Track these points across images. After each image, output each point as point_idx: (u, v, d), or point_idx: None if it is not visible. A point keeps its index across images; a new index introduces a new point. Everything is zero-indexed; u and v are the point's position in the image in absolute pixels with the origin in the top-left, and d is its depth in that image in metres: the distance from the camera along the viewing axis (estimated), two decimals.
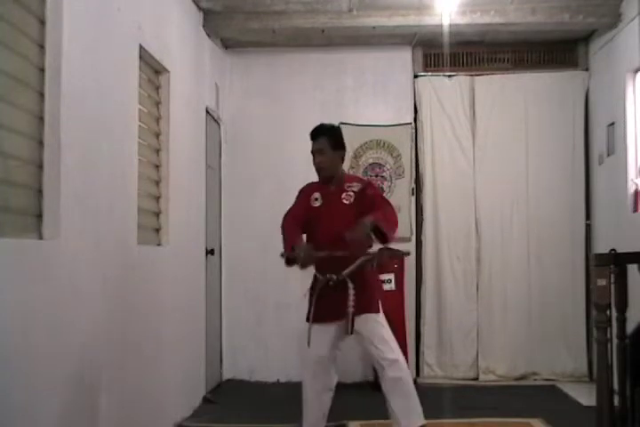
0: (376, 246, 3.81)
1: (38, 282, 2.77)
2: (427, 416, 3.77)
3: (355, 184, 3.89)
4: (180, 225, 4.84)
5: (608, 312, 3.12)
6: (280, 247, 3.83)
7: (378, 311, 3.78)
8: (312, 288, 3.78)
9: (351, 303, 3.63)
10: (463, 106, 6.49)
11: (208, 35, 5.82)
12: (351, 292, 3.64)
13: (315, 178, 3.99)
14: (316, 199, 3.90)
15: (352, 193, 3.83)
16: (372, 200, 3.79)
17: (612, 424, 3.10)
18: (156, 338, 4.34)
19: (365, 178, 3.97)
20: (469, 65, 6.54)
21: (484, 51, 6.51)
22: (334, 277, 3.70)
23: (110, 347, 3.51)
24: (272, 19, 5.76)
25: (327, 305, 3.70)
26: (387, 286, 5.80)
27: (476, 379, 6.28)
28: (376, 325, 3.75)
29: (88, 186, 3.28)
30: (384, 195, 3.96)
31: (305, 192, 3.99)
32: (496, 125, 6.47)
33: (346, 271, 3.69)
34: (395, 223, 3.78)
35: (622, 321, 3.22)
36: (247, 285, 6.37)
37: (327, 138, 3.87)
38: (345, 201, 3.82)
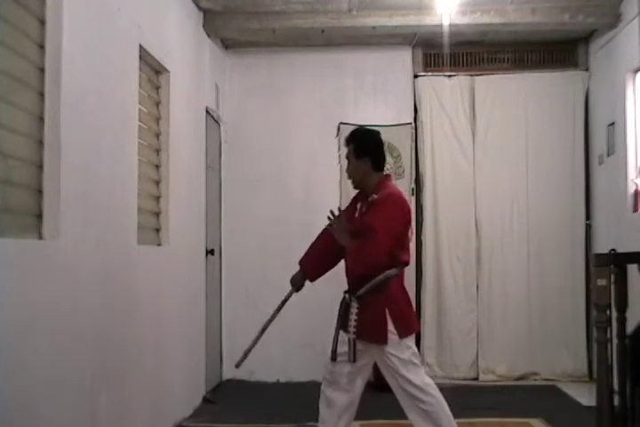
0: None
1: (38, 282, 2.77)
2: None
3: (375, 196, 3.54)
4: (180, 225, 4.84)
5: (608, 312, 3.12)
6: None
7: (385, 341, 3.42)
8: (341, 304, 3.66)
9: (352, 329, 3.47)
10: (463, 106, 6.49)
11: (208, 35, 5.82)
12: (353, 316, 3.49)
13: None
14: (357, 209, 3.67)
15: (366, 206, 3.58)
16: (364, 227, 3.47)
17: (612, 424, 3.10)
18: (156, 338, 4.34)
19: (386, 190, 3.58)
20: (469, 65, 6.54)
21: (483, 51, 6.52)
22: (346, 296, 3.58)
23: (110, 347, 3.51)
24: (272, 19, 5.76)
25: (341, 321, 3.57)
26: None
27: (476, 379, 6.28)
28: (389, 363, 3.46)
29: (88, 186, 3.28)
30: (386, 216, 3.49)
31: (350, 206, 3.76)
32: (496, 125, 6.47)
33: (359, 292, 3.50)
34: (364, 263, 3.44)
35: (622, 321, 3.21)
36: (247, 285, 6.38)
37: (352, 145, 3.66)
38: (357, 214, 3.63)
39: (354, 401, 3.61)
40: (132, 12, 3.94)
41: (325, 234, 3.74)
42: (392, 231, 3.48)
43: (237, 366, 3.89)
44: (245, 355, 3.82)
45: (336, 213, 3.58)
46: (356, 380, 3.58)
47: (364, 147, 3.65)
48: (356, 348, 3.48)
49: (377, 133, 3.78)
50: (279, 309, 3.80)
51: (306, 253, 3.82)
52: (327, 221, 3.60)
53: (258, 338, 3.80)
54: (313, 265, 3.78)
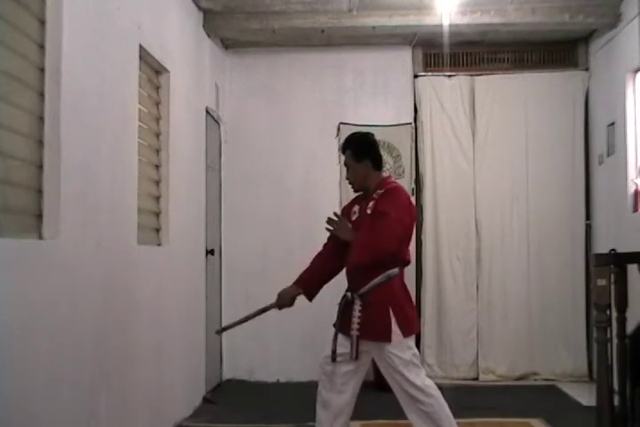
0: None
1: (38, 282, 2.77)
2: None
3: (380, 191, 3.58)
4: (180, 225, 4.84)
5: (608, 312, 3.12)
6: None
7: (389, 339, 3.42)
8: (339, 303, 3.64)
9: (355, 326, 3.46)
10: (463, 106, 6.49)
11: (208, 35, 5.82)
12: (356, 314, 3.48)
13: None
14: (355, 212, 3.69)
15: (374, 201, 3.58)
16: (375, 216, 3.51)
17: (612, 424, 3.10)
18: (155, 338, 4.34)
19: (392, 184, 3.67)
20: (469, 65, 6.54)
21: (484, 51, 6.52)
22: (348, 294, 3.57)
23: (110, 347, 3.51)
24: (272, 19, 5.76)
25: (342, 321, 3.57)
26: None
27: (476, 379, 6.28)
28: (390, 363, 3.46)
29: (88, 186, 3.28)
30: (398, 205, 3.53)
31: (345, 209, 3.81)
32: (496, 125, 6.47)
33: (361, 291, 3.50)
34: (372, 250, 3.44)
35: (622, 321, 3.22)
36: (247, 285, 6.37)
37: (350, 150, 3.68)
38: (368, 210, 3.59)
39: (350, 402, 3.61)
40: (132, 11, 3.94)
41: (323, 251, 3.78)
42: (402, 218, 3.50)
43: (217, 332, 4.20)
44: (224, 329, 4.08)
45: (333, 217, 3.60)
46: (350, 381, 3.57)
47: (362, 150, 3.69)
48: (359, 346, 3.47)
49: (371, 135, 3.82)
50: (254, 315, 3.88)
51: (305, 270, 3.81)
52: (327, 227, 3.61)
53: (235, 324, 3.98)
54: (313, 281, 3.77)
